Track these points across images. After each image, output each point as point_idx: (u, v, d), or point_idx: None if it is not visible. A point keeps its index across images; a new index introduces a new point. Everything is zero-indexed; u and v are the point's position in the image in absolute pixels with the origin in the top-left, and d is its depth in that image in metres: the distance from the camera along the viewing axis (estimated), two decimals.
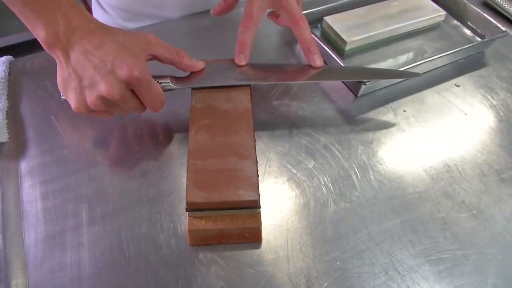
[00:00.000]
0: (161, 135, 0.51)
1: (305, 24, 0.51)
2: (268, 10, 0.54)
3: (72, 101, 0.43)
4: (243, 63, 0.51)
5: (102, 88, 0.41)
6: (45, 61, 0.59)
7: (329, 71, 0.53)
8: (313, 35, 0.54)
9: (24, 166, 0.48)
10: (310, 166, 0.48)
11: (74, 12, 0.42)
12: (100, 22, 0.44)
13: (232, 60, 0.51)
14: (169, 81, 0.48)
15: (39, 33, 0.41)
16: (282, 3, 0.50)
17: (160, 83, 0.47)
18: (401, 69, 0.54)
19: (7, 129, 0.51)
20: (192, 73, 0.50)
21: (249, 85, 0.50)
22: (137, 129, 0.51)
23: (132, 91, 0.43)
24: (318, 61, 0.52)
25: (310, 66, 0.52)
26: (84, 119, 0.52)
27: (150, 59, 0.45)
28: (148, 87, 0.43)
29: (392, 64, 0.59)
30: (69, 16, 0.41)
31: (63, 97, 0.45)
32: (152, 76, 0.44)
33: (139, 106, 0.45)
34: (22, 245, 0.42)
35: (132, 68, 0.41)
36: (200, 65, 0.49)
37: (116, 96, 0.41)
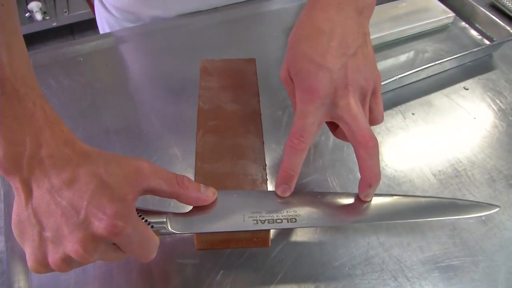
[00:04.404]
0: (167, 134, 0.50)
1: (375, 149, 0.37)
2: None
3: (28, 256, 0.31)
4: (287, 195, 0.39)
5: (69, 246, 0.30)
6: (48, 58, 0.58)
7: (386, 210, 0.39)
8: None
9: None
10: (318, 169, 0.47)
11: (49, 132, 0.31)
12: (82, 145, 0.32)
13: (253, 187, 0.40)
14: (164, 223, 0.36)
15: None
16: (344, 114, 0.36)
17: (153, 227, 0.35)
18: (477, 201, 0.44)
19: None
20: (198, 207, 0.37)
21: (257, 86, 0.49)
22: (142, 129, 0.50)
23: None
24: (370, 197, 0.39)
25: (357, 197, 0.39)
26: (88, 117, 0.52)
27: (143, 194, 0.34)
28: (134, 239, 0.32)
29: (399, 65, 0.59)
30: (41, 136, 0.30)
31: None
32: (141, 214, 0.35)
33: (123, 257, 0.34)
34: None
35: (113, 218, 0.30)
36: (210, 196, 0.37)
37: (88, 258, 0.30)
